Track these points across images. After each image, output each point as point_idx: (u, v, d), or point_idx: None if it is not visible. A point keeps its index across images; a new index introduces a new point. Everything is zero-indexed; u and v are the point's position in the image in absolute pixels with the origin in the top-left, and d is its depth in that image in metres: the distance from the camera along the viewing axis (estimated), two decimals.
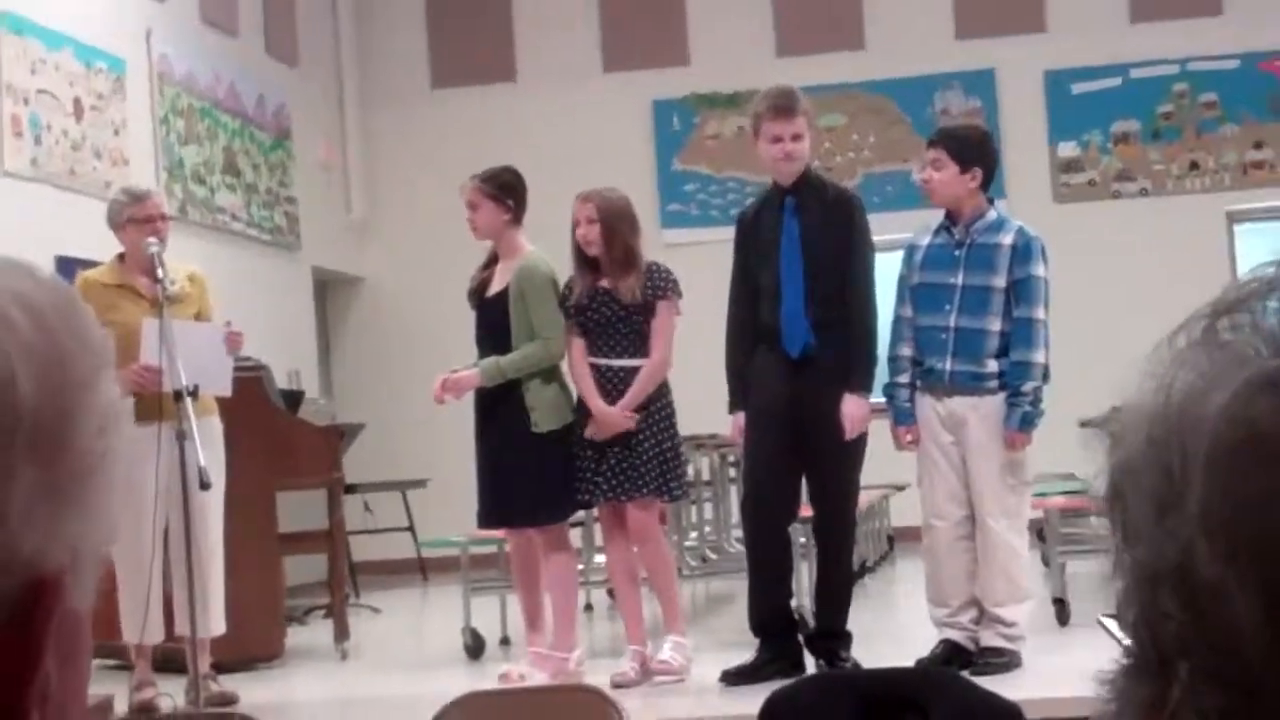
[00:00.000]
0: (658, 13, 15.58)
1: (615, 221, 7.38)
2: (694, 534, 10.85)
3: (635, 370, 7.36)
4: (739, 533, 10.59)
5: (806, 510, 7.67)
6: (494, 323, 7.54)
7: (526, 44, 15.78)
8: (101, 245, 7.74)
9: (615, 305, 7.39)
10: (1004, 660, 6.99)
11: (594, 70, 15.72)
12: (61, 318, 0.77)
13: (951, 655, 6.98)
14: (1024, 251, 7.10)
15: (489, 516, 7.63)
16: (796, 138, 7.23)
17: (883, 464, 8.42)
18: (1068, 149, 15.29)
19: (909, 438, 7.24)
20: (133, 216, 7.24)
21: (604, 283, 7.41)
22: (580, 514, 9.00)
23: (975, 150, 7.23)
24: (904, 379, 7.25)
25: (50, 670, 0.76)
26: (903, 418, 7.25)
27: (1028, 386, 7.03)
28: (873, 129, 15.40)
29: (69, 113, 10.96)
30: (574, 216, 7.47)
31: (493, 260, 7.70)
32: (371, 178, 15.92)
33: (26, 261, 0.80)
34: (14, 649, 0.74)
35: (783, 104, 7.27)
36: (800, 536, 8.36)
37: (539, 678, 7.22)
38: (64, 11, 11.00)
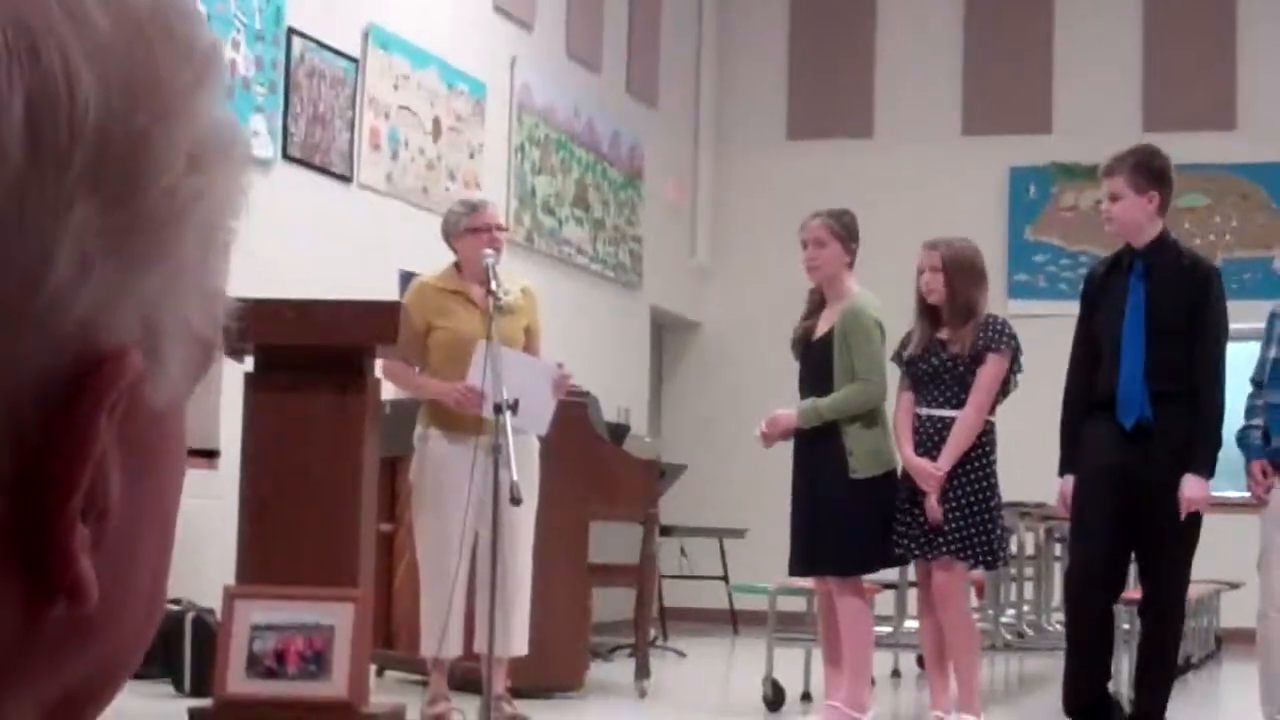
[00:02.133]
0: (1022, 77, 15.28)
1: (958, 271, 7.19)
2: (1011, 610, 10.49)
3: (952, 421, 7.14)
4: (1059, 613, 10.26)
5: (1133, 593, 7.33)
6: (817, 366, 7.38)
7: (886, 100, 15.62)
8: (446, 264, 7.76)
9: (945, 355, 7.20)
10: None
11: (952, 132, 15.48)
12: (156, 16, 0.60)
13: None
14: None
15: (799, 563, 7.46)
16: (1114, 199, 6.95)
17: (1215, 559, 8.04)
18: None
19: (1262, 474, 6.85)
20: (470, 225, 7.25)
21: (942, 334, 7.24)
22: (894, 576, 8.78)
23: None
24: (1257, 421, 6.88)
25: (110, 479, 0.58)
26: (1254, 452, 6.89)
27: None
28: (1236, 212, 14.85)
29: (427, 131, 11.14)
30: (919, 264, 7.31)
31: (816, 308, 7.54)
32: (718, 223, 15.89)
33: None
34: (54, 446, 0.57)
35: (1107, 161, 7.03)
36: (1124, 622, 8.00)
37: None
38: (432, 31, 11.20)
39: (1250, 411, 6.96)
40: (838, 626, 7.36)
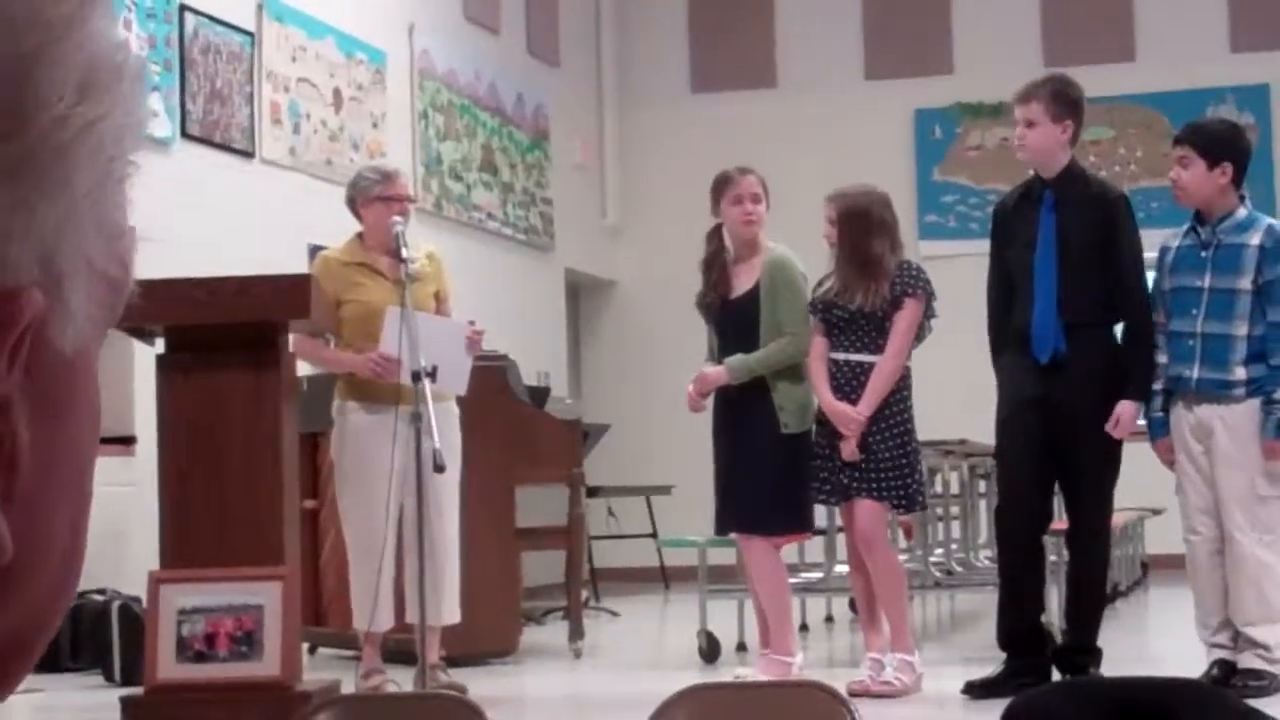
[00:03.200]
0: (922, 21, 15.30)
1: (849, 222, 7.18)
2: (940, 550, 10.54)
3: (872, 366, 7.14)
4: (986, 549, 10.32)
5: (1061, 524, 7.38)
6: (740, 324, 7.35)
7: (788, 50, 15.61)
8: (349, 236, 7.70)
9: (855, 304, 7.20)
10: (1263, 684, 6.62)
11: (856, 78, 15.50)
12: None
13: (1226, 676, 6.64)
14: (1274, 252, 6.74)
15: (728, 520, 7.45)
16: (1029, 125, 6.95)
17: (1138, 486, 8.08)
18: None
19: (1169, 453, 6.91)
20: (381, 195, 7.19)
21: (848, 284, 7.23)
22: (823, 522, 8.79)
23: (1223, 144, 6.87)
24: (1159, 386, 6.92)
25: (17, 428, 0.55)
26: (1157, 429, 6.94)
27: None
28: (1141, 143, 14.94)
29: (328, 103, 11.04)
30: (824, 215, 7.33)
31: (714, 263, 7.50)
32: (627, 181, 15.85)
33: None
34: None
35: (1021, 89, 7.03)
36: (1053, 554, 8.05)
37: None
38: (327, 1, 11.09)
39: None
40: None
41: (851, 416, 7.07)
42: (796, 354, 7.26)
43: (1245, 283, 6.74)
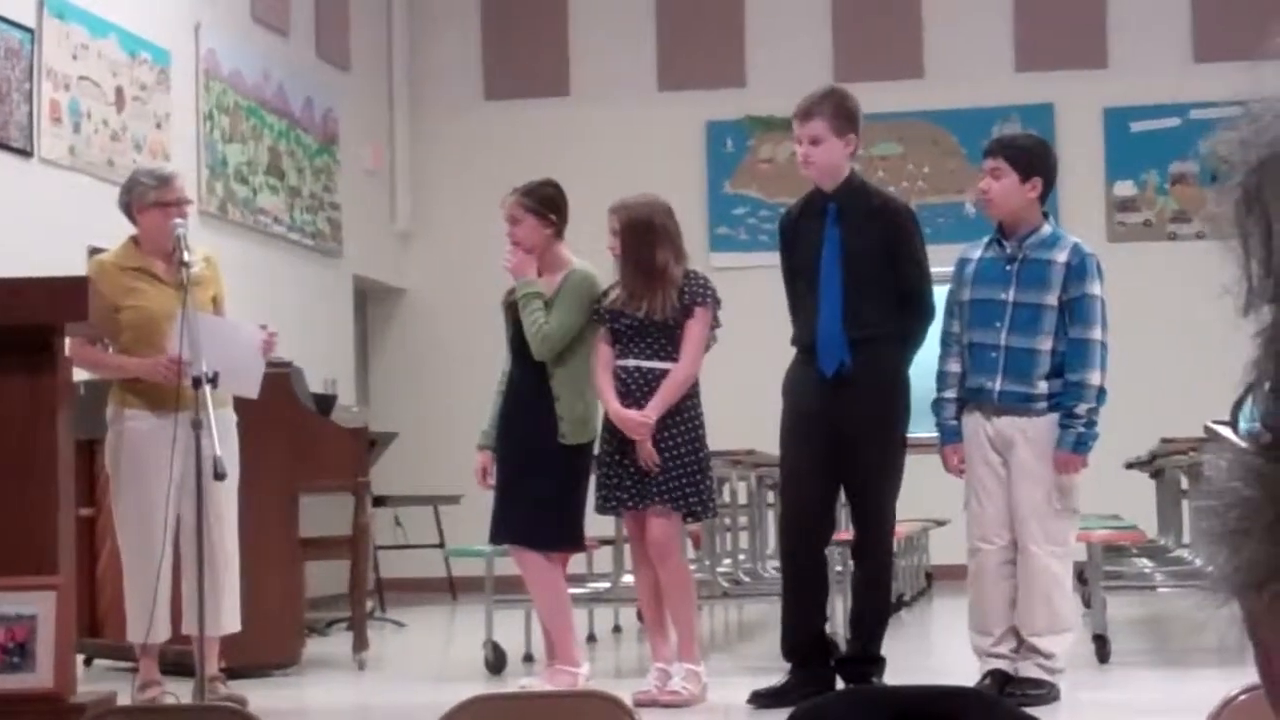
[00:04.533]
0: (715, 33, 15.38)
1: (631, 232, 7.16)
2: (727, 560, 10.58)
3: (664, 374, 7.13)
4: (774, 559, 10.37)
5: (845, 534, 7.43)
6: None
7: (581, 58, 15.61)
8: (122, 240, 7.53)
9: (641, 313, 7.17)
10: (1041, 693, 6.71)
11: (649, 88, 15.53)
12: None
13: (1001, 686, 6.71)
14: (1079, 269, 6.84)
15: (503, 531, 7.41)
16: (814, 142, 6.98)
17: (923, 498, 8.18)
18: (1124, 188, 15.05)
19: (956, 458, 6.97)
20: (159, 200, 7.05)
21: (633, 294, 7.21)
22: (610, 531, 8.78)
23: (1036, 159, 6.96)
24: (950, 394, 6.99)
25: None
26: (949, 436, 6.99)
27: (1082, 408, 6.76)
28: (928, 159, 15.17)
29: (110, 102, 10.80)
30: (608, 227, 7.29)
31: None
32: (418, 187, 15.74)
33: None
34: None
35: (801, 106, 7.06)
36: (837, 565, 8.10)
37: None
38: None
39: (942, 379, 7.02)
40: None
41: (639, 420, 7.06)
42: (541, 341, 7.21)
43: (1051, 298, 6.82)
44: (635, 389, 7.15)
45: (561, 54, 15.64)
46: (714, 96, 15.35)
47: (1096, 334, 6.81)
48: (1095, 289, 6.85)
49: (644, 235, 7.17)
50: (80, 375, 6.99)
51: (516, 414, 7.34)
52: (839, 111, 6.99)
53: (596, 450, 7.34)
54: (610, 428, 7.20)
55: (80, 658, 7.52)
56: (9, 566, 5.76)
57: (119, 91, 10.89)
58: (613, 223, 7.24)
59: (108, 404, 7.04)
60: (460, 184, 15.40)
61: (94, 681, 7.93)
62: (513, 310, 7.46)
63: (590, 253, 7.61)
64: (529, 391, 7.28)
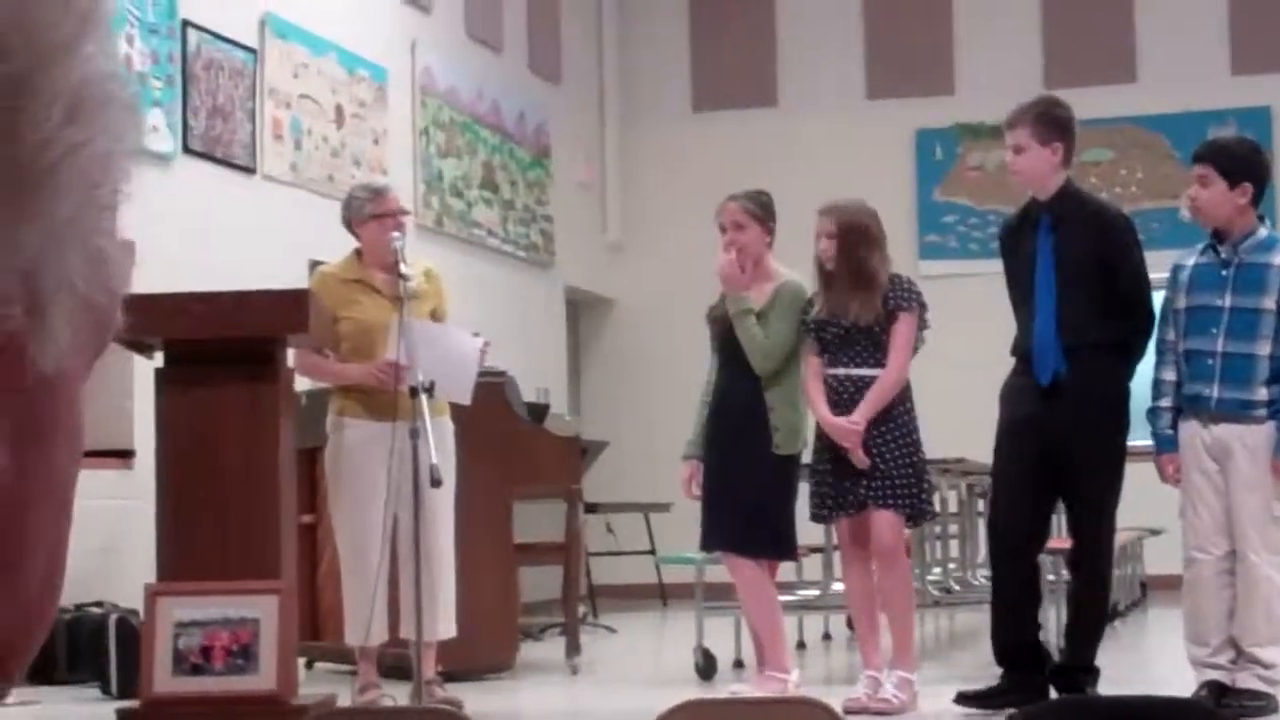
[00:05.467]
0: (924, 41, 15.32)
1: (851, 235, 7.18)
2: (938, 568, 10.54)
3: (873, 380, 7.13)
4: (985, 568, 10.30)
5: (1060, 542, 7.36)
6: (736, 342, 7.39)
7: (790, 69, 15.63)
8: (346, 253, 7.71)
9: (849, 320, 7.18)
10: (1260, 704, 6.61)
11: (857, 97, 15.52)
12: None
13: (1218, 697, 6.62)
14: None
15: (714, 538, 7.46)
16: (1018, 151, 6.95)
17: (1138, 507, 8.06)
18: None
19: (1171, 468, 6.88)
20: (374, 212, 7.21)
21: (845, 300, 7.22)
22: (820, 539, 8.79)
23: (1244, 164, 6.85)
24: (1166, 403, 6.90)
25: None
26: (1165, 445, 6.90)
27: None
28: (1141, 165, 14.96)
29: (330, 119, 11.06)
30: (816, 230, 7.29)
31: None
32: (627, 198, 15.87)
33: None
34: None
35: (1009, 114, 7.02)
36: (1050, 573, 8.03)
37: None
38: (329, 18, 11.11)
39: (1157, 387, 6.93)
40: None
41: (848, 428, 7.07)
42: (761, 358, 7.24)
43: (1269, 302, 6.71)
44: (845, 396, 7.16)
45: (769, 64, 15.68)
46: (923, 104, 15.30)
47: None
48: None
49: (861, 239, 7.20)
50: (302, 385, 7.17)
51: (728, 423, 7.39)
52: (1042, 119, 6.95)
53: (808, 459, 7.36)
54: (823, 436, 7.22)
55: (302, 660, 7.69)
56: (233, 571, 5.94)
57: (338, 109, 11.15)
58: (825, 225, 7.24)
59: (328, 412, 7.20)
60: (669, 195, 15.50)
61: (314, 684, 8.11)
62: (717, 323, 7.51)
63: (799, 261, 7.63)
64: (741, 401, 7.33)
